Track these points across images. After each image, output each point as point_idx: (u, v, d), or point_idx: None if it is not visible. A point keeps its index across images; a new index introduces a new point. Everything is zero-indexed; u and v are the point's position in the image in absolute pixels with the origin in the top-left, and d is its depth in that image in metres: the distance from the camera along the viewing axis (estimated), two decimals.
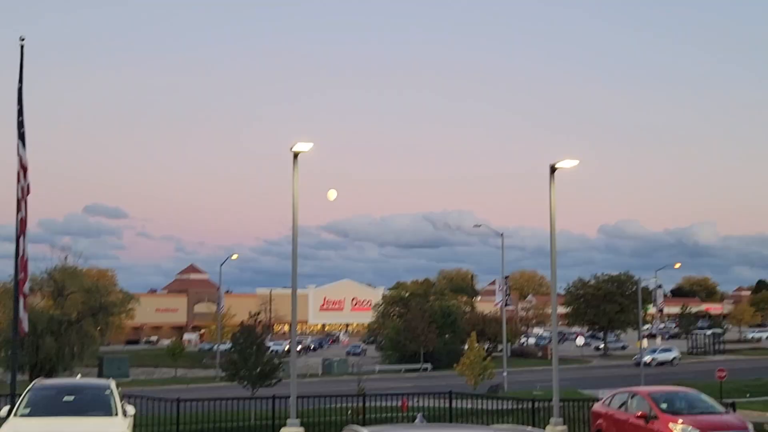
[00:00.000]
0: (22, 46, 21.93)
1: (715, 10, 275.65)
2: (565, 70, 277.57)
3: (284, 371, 54.70)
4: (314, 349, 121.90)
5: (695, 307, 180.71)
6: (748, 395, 49.66)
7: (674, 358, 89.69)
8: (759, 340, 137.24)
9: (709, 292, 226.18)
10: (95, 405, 16.73)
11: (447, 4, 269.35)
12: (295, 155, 23.61)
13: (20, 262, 21.52)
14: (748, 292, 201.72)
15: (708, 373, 62.07)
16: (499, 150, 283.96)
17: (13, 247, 22.03)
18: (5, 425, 15.88)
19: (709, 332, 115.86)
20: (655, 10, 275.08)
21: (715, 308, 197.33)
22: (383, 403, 30.54)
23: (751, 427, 20.49)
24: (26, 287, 22.24)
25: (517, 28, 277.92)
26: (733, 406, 22.97)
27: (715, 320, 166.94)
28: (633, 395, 22.61)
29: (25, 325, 22.05)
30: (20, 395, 17.66)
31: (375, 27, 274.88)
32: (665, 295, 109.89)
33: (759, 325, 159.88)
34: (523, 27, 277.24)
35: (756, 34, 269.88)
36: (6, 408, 17.24)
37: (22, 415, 16.22)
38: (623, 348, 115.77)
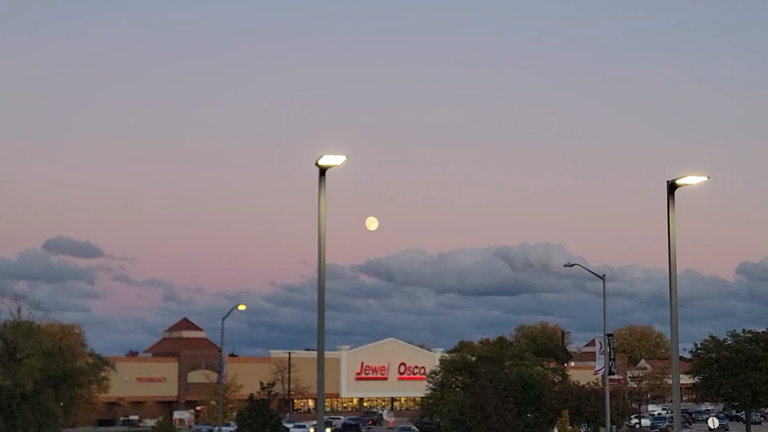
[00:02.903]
0: None
1: None
2: (681, 63, 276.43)
3: None
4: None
5: None
6: None
7: None
8: None
9: None
10: None
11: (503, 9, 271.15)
12: (322, 171, 23.81)
13: None
14: None
15: None
16: (598, 165, 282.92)
17: None
18: None
19: None
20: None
21: None
22: None
23: None
24: None
25: (607, 27, 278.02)
26: None
27: None
28: None
29: None
30: None
31: (430, 26, 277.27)
32: None
33: None
34: (613, 26, 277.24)
35: None
36: None
37: None
38: None
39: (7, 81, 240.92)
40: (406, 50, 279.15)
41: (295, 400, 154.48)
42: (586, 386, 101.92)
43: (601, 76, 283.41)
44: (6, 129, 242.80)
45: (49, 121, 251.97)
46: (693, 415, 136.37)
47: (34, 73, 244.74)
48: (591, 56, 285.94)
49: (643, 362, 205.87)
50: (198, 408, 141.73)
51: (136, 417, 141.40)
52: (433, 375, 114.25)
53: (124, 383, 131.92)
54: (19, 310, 59.43)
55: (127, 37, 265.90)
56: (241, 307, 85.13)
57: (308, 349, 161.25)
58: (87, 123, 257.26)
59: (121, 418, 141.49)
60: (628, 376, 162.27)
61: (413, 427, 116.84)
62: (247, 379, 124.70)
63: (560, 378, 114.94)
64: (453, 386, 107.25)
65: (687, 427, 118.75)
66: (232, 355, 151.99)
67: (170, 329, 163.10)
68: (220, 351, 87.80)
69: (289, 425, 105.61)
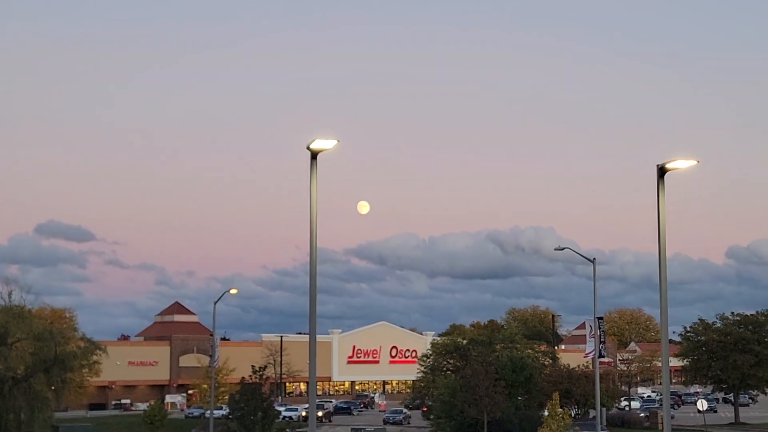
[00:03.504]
0: None
1: None
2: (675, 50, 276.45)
3: None
4: (343, 412, 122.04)
5: None
6: None
7: None
8: None
9: None
10: None
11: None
12: (314, 155, 23.79)
13: None
14: None
15: None
16: (590, 149, 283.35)
17: None
18: None
19: None
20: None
21: None
22: None
23: None
24: None
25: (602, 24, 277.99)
26: None
27: None
28: None
29: None
30: None
31: (421, 8, 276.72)
32: None
33: None
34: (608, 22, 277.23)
35: None
36: None
37: None
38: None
39: None
40: (398, 34, 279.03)
41: (287, 384, 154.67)
42: (577, 369, 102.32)
43: (592, 62, 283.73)
44: None
45: (40, 105, 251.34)
46: (682, 398, 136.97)
47: (24, 57, 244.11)
48: (582, 41, 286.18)
49: (632, 345, 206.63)
50: (190, 392, 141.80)
51: (127, 401, 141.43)
52: (425, 358, 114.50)
53: (115, 367, 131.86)
54: (10, 294, 59.36)
55: (113, 19, 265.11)
56: (233, 291, 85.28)
57: (300, 333, 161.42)
58: (78, 107, 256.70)
59: (113, 402, 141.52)
60: (617, 359, 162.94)
61: (405, 410, 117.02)
62: (239, 362, 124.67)
63: (551, 361, 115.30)
64: (444, 369, 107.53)
65: (675, 409, 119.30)
66: (223, 339, 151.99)
67: (162, 313, 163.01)
68: (211, 335, 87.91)
69: (281, 408, 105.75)
